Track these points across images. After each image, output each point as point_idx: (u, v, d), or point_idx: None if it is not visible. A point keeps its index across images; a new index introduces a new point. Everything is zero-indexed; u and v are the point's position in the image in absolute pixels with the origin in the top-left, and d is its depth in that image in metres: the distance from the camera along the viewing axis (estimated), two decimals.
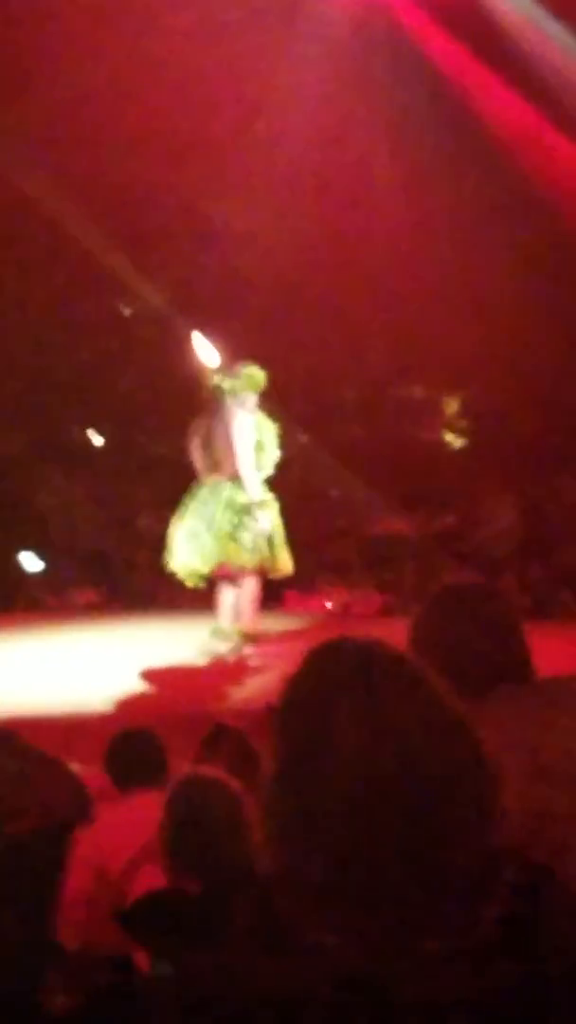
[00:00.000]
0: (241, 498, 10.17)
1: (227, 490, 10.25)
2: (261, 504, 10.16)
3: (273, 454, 10.42)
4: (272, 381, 10.65)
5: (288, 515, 10.58)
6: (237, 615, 10.37)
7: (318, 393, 14.71)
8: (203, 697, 8.77)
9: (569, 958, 1.51)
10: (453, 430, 18.44)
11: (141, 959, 3.06)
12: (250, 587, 10.38)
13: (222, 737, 4.93)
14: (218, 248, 16.36)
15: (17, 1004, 2.61)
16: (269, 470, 10.42)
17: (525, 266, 15.58)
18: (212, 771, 3.66)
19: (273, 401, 10.93)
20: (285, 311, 16.31)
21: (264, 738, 4.65)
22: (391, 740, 1.55)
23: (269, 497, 10.33)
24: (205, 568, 10.25)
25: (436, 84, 15.01)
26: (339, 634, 1.76)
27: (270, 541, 10.21)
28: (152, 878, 3.57)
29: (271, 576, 10.49)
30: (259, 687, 8.92)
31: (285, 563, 10.38)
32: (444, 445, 18.43)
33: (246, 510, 10.15)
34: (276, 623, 12.75)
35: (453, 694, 1.64)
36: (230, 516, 10.15)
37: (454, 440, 18.52)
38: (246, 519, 10.15)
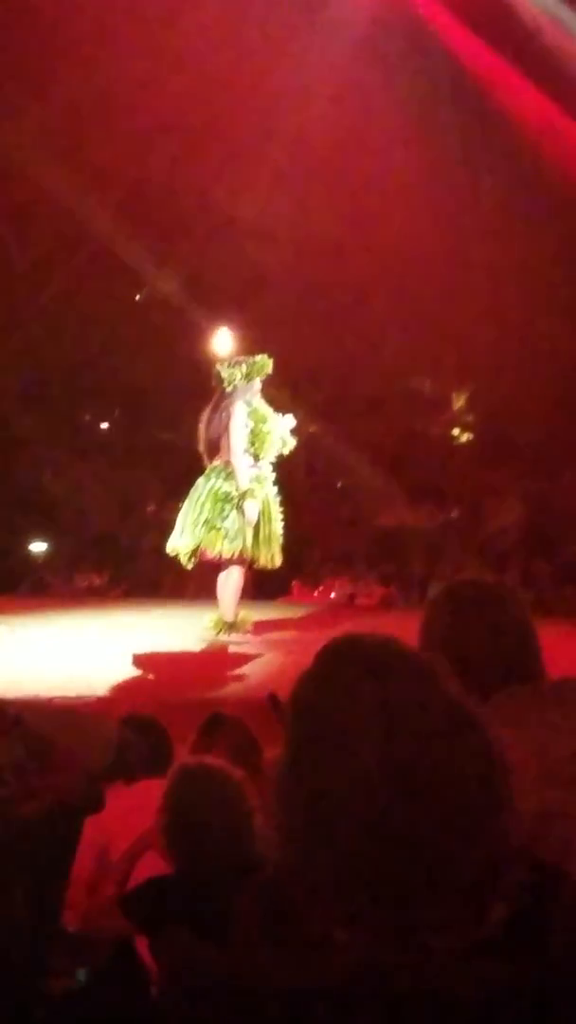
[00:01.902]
0: (228, 486, 10.21)
1: (217, 477, 10.31)
2: (248, 493, 10.15)
3: (276, 444, 10.40)
4: (283, 372, 10.67)
5: (296, 506, 10.60)
6: (220, 603, 10.42)
7: (329, 384, 14.72)
8: (199, 684, 8.78)
9: (574, 954, 1.52)
10: (461, 425, 18.46)
11: (142, 944, 3.08)
12: (232, 576, 10.39)
13: (220, 725, 4.93)
14: (234, 240, 16.36)
15: (20, 985, 2.62)
16: (269, 459, 10.42)
17: (542, 263, 15.57)
18: (213, 759, 3.66)
19: (284, 391, 10.93)
20: (299, 303, 16.33)
21: (264, 726, 4.66)
22: (404, 737, 1.55)
23: (264, 486, 10.33)
24: (185, 552, 10.30)
25: (456, 78, 14.99)
26: (351, 630, 1.76)
27: (256, 532, 10.21)
28: (154, 865, 3.58)
29: (256, 568, 10.49)
30: (257, 675, 8.93)
31: (268, 556, 10.33)
32: (452, 439, 18.45)
33: (231, 498, 10.17)
34: (281, 612, 12.78)
35: (465, 692, 1.64)
36: (214, 503, 10.19)
37: (462, 435, 18.52)
38: (228, 507, 10.17)
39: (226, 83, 14.69)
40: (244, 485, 10.17)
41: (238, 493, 10.17)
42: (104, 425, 17.95)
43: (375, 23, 14.50)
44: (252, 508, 10.14)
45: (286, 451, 10.52)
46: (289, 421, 10.48)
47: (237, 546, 10.17)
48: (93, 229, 15.47)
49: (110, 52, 14.33)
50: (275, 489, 10.52)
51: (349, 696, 1.60)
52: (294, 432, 10.49)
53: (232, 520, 10.16)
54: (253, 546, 10.20)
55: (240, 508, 10.15)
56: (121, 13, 14.10)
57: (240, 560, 10.28)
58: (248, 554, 10.21)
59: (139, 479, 17.18)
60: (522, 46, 14.82)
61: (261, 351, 10.61)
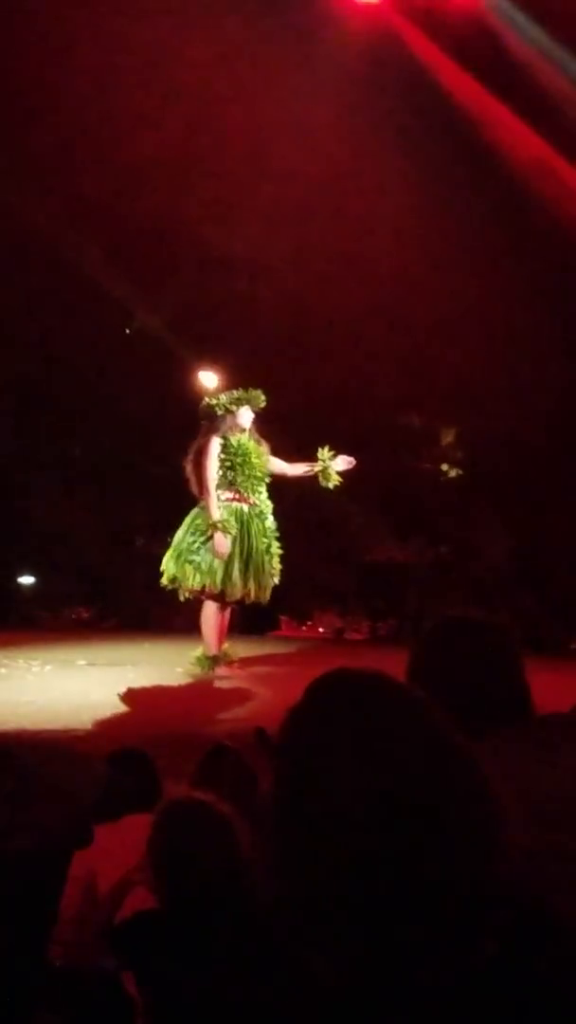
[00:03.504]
0: (201, 520, 10.28)
1: (196, 510, 10.39)
2: (218, 527, 10.18)
3: (255, 477, 10.47)
4: (273, 406, 10.72)
5: (285, 540, 10.62)
6: (203, 637, 10.49)
7: (319, 419, 14.73)
8: (185, 719, 8.75)
9: (561, 994, 1.52)
10: (450, 460, 18.46)
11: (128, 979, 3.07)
12: (208, 610, 10.47)
13: (222, 758, 4.93)
14: (226, 275, 16.39)
15: (8, 1021, 2.61)
16: (258, 493, 10.47)
17: (533, 297, 15.61)
18: (200, 793, 3.66)
19: (274, 425, 10.98)
20: (291, 339, 16.35)
21: (255, 760, 4.65)
22: (392, 773, 1.55)
23: (250, 520, 10.38)
24: (166, 582, 10.38)
25: (449, 115, 15.05)
26: (340, 665, 1.76)
27: (228, 566, 10.23)
28: (141, 900, 3.57)
29: (228, 602, 10.50)
30: (245, 710, 8.91)
31: (248, 591, 10.36)
32: (441, 474, 18.46)
33: (202, 532, 10.20)
34: (269, 647, 12.77)
35: (454, 727, 1.65)
36: (190, 536, 10.25)
37: (451, 470, 18.52)
38: (199, 541, 10.20)
39: (220, 117, 14.77)
40: (213, 518, 10.21)
41: (209, 527, 10.22)
42: (99, 461, 17.94)
43: (369, 59, 14.57)
44: (221, 542, 10.17)
45: (329, 485, 10.60)
46: (340, 463, 10.61)
47: (206, 580, 10.21)
48: (84, 261, 15.49)
49: (104, 85, 14.40)
50: (270, 523, 10.55)
51: (337, 731, 1.60)
52: (330, 474, 10.58)
53: (202, 554, 10.22)
54: (225, 580, 10.22)
55: (208, 542, 10.22)
56: (116, 48, 14.17)
57: (211, 594, 10.31)
58: (216, 588, 10.23)
59: (129, 512, 17.18)
60: (513, 83, 14.91)
61: (251, 386, 10.68)
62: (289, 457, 10.86)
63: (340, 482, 10.69)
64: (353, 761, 1.57)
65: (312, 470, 10.70)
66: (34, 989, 2.74)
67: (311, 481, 10.86)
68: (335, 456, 10.69)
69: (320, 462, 10.67)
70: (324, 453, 10.69)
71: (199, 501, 10.50)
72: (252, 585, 10.33)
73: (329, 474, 10.64)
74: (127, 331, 17.40)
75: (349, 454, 10.79)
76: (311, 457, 10.79)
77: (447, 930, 1.51)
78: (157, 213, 15.26)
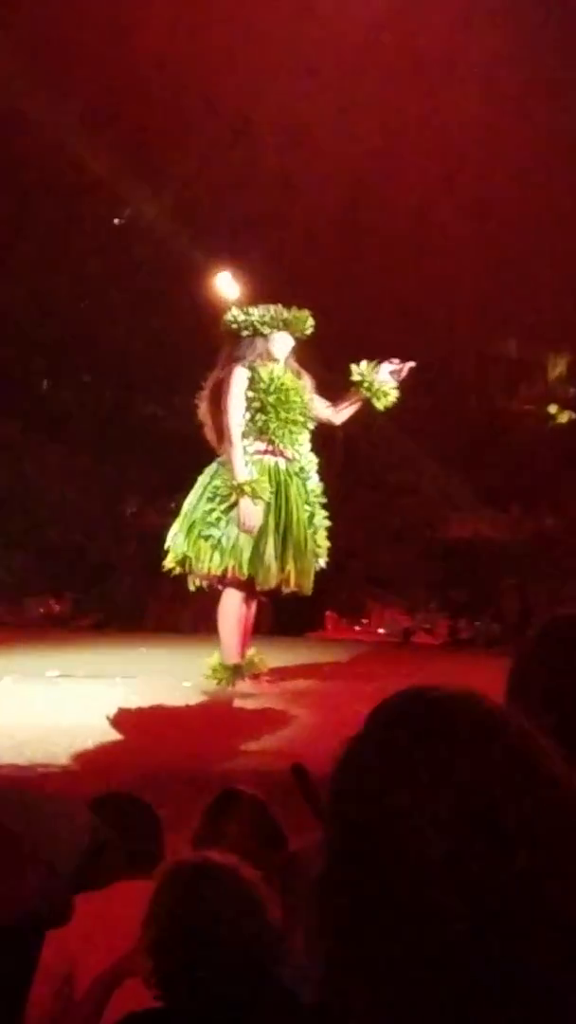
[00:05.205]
0: (221, 482, 10.25)
1: (213, 468, 10.45)
2: (244, 490, 10.18)
3: (295, 422, 10.42)
4: (316, 333, 10.71)
5: (330, 512, 10.62)
6: (220, 640, 10.53)
7: (375, 350, 14.72)
8: (195, 752, 8.80)
9: None
10: (560, 401, 18.40)
11: None
12: (229, 603, 10.49)
13: (233, 806, 4.96)
14: (248, 148, 16.38)
15: None
16: (301, 445, 10.46)
17: None
18: (219, 854, 3.68)
19: (310, 353, 10.97)
20: (335, 236, 16.30)
21: (286, 809, 4.68)
22: (488, 828, 1.55)
23: (289, 481, 10.37)
24: (172, 565, 10.45)
25: None
26: (410, 681, 1.76)
27: (262, 543, 10.23)
28: (135, 997, 3.60)
29: (258, 591, 10.53)
30: (276, 740, 8.95)
31: (286, 577, 10.37)
32: (548, 420, 18.40)
33: (224, 498, 10.20)
34: (309, 653, 12.80)
35: (569, 767, 1.65)
36: (207, 503, 10.25)
37: (560, 414, 18.45)
38: (219, 510, 10.22)
39: None
40: (240, 478, 10.20)
41: (232, 490, 10.22)
42: (69, 395, 17.97)
43: None
44: (250, 510, 10.16)
45: (381, 406, 10.58)
46: (388, 375, 10.52)
47: (228, 562, 10.22)
48: (62, 128, 15.58)
49: None
50: (314, 484, 10.54)
51: (412, 771, 1.60)
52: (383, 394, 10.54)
53: (224, 527, 10.20)
54: (255, 562, 10.24)
55: (231, 510, 10.20)
56: None
57: (235, 581, 10.31)
58: (243, 573, 10.24)
59: (115, 470, 17.21)
60: None
61: (282, 301, 10.64)
62: (333, 399, 10.79)
63: (397, 397, 10.56)
64: (431, 811, 1.57)
65: (357, 398, 10.59)
66: None
67: (362, 418, 10.83)
68: (377, 365, 10.61)
69: (359, 377, 10.57)
70: (362, 367, 10.57)
71: (218, 454, 10.51)
72: (291, 568, 10.33)
73: (378, 390, 10.55)
74: (116, 221, 17.40)
75: (419, 395, 10.74)
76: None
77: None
78: (157, 54, 15.32)
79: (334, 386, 10.88)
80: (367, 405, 10.63)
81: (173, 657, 11.87)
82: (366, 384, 10.54)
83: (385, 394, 10.53)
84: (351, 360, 10.64)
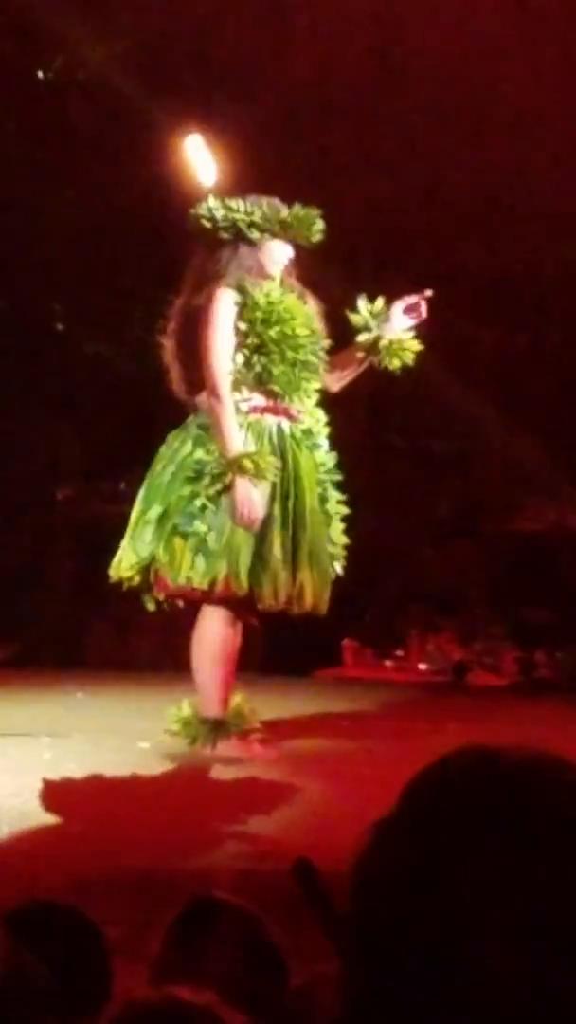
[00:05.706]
0: (202, 454, 10.21)
1: (191, 438, 10.41)
2: (238, 466, 10.13)
3: (306, 366, 10.40)
4: (329, 239, 10.72)
5: (351, 505, 10.65)
6: (197, 683, 10.54)
7: (416, 264, 14.73)
8: (159, 842, 8.85)
9: None
10: None
11: None
12: (211, 628, 10.52)
13: (211, 921, 4.99)
14: None
15: None
16: (306, 398, 10.45)
17: None
18: (188, 991, 3.71)
19: (316, 272, 11.00)
20: (354, 99, 16.39)
21: (286, 921, 4.75)
22: (559, 939, 1.57)
23: (298, 451, 10.36)
24: (129, 574, 10.39)
25: None
26: (465, 740, 1.78)
27: (260, 544, 10.23)
28: None
29: (265, 611, 10.54)
30: (271, 825, 8.99)
31: (280, 590, 10.34)
32: None
33: (210, 477, 10.20)
34: (318, 700, 12.86)
35: None
36: (184, 485, 10.19)
37: None
38: (202, 495, 10.20)
39: None
40: (233, 450, 10.16)
41: (220, 466, 10.18)
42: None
43: None
44: (247, 497, 10.12)
45: (393, 365, 10.55)
46: (402, 317, 10.49)
47: (219, 569, 10.20)
48: None
49: None
50: (325, 457, 10.53)
51: (471, 871, 1.62)
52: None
53: (211, 519, 10.16)
54: (256, 570, 10.24)
55: (222, 495, 10.15)
56: None
57: (226, 596, 10.29)
58: (243, 585, 10.23)
59: (40, 436, 17.22)
60: None
61: (274, 191, 10.65)
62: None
63: (416, 351, 10.53)
64: (492, 920, 1.58)
65: (360, 357, 10.59)
66: None
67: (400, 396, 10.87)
68: (386, 307, 10.55)
69: (362, 319, 10.56)
70: (369, 306, 10.54)
71: (189, 412, 10.48)
72: (305, 579, 10.29)
73: (390, 346, 10.53)
74: (40, 75, 17.44)
75: (476, 334, 10.74)
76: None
77: None
78: None
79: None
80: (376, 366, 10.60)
81: (124, 706, 11.92)
82: (369, 328, 10.50)
83: (401, 349, 10.48)
84: (376, 290, 10.64)
